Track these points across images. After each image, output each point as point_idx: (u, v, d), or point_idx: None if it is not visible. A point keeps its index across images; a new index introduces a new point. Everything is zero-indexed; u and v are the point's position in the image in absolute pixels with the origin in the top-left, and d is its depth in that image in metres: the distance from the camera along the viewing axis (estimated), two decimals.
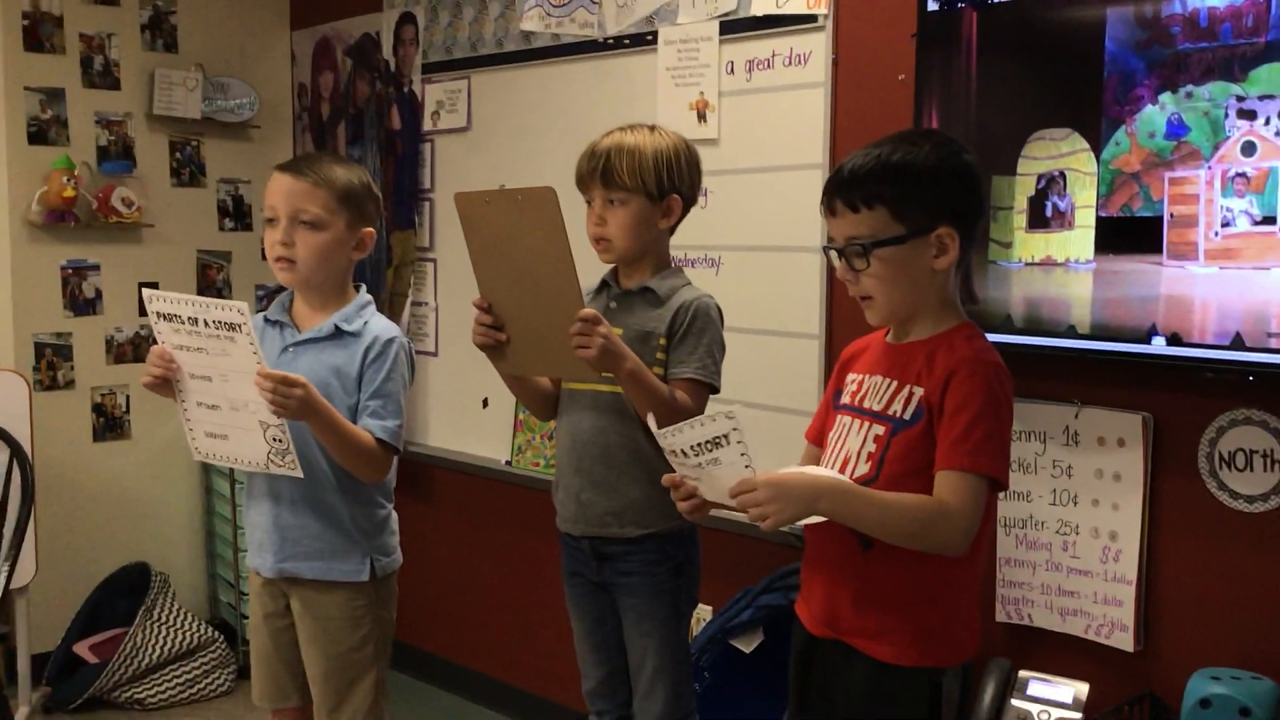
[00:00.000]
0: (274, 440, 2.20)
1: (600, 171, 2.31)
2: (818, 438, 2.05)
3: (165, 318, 2.20)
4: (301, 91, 4.56)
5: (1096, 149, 2.36)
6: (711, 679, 2.91)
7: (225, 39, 4.43)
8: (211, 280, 4.44)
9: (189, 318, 2.17)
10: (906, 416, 1.84)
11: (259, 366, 2.14)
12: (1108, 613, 2.48)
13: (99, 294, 4.19)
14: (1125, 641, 2.46)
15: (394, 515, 2.48)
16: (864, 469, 1.86)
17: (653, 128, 2.37)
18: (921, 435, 1.82)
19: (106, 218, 4.11)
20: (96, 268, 4.19)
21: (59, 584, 4.01)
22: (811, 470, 1.80)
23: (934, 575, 1.83)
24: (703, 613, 3.19)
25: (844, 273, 1.88)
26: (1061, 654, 2.55)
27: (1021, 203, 2.48)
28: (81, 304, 4.15)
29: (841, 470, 1.89)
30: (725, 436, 1.74)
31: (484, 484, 3.87)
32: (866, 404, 1.91)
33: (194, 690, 3.99)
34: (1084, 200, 2.39)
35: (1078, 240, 2.40)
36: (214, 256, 4.44)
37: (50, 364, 4.10)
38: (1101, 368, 2.44)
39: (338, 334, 2.37)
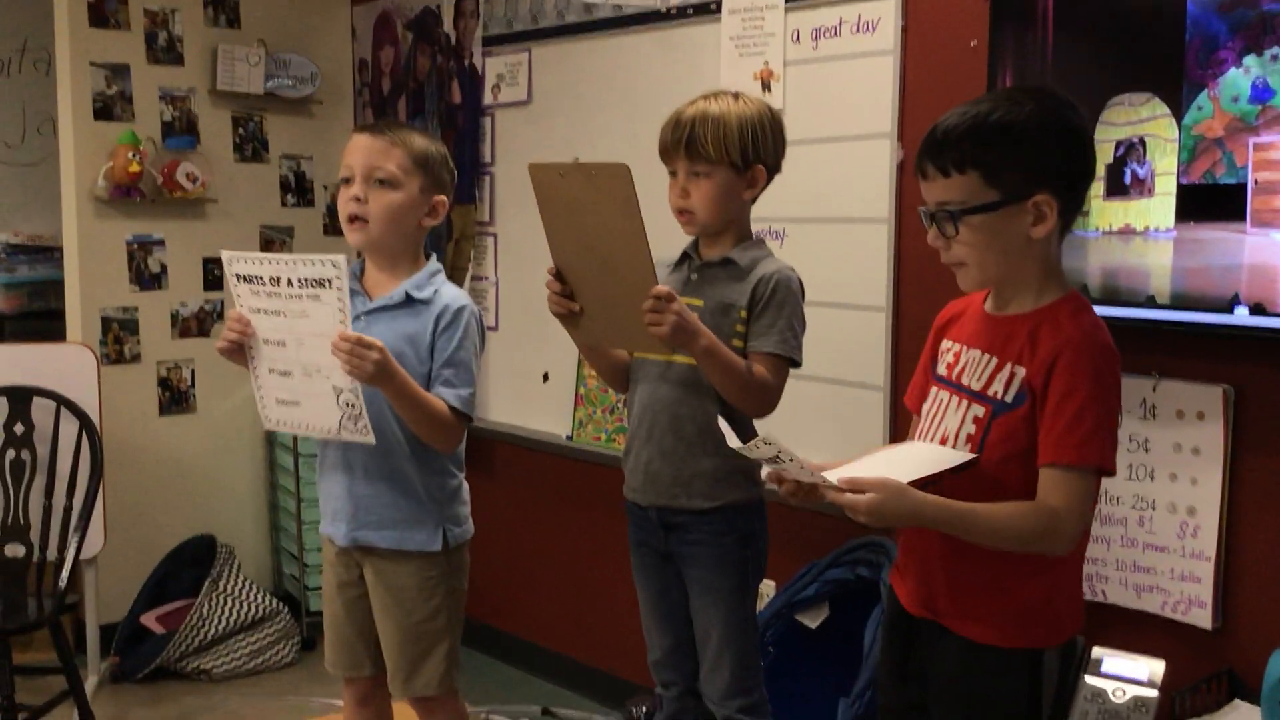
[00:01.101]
0: (347, 405, 2.18)
1: (684, 143, 2.26)
2: (919, 405, 1.98)
3: (245, 279, 2.20)
4: (362, 66, 4.56)
5: (1178, 114, 2.29)
6: (776, 654, 2.89)
7: (287, 14, 4.44)
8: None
9: (271, 278, 2.15)
10: (1008, 399, 1.76)
11: (340, 327, 2.12)
12: (1185, 589, 2.43)
13: (164, 269, 4.22)
14: (1203, 619, 2.40)
15: (465, 485, 2.48)
16: (966, 455, 1.78)
17: (737, 95, 2.31)
18: (1024, 419, 1.74)
19: (171, 193, 4.14)
20: (162, 243, 4.22)
21: (126, 555, 4.07)
22: (913, 496, 1.69)
23: (1035, 555, 1.76)
24: (767, 588, 3.16)
25: (934, 238, 1.80)
26: (1137, 631, 2.50)
27: (1100, 170, 2.41)
28: (147, 279, 4.19)
29: (940, 445, 1.83)
30: (776, 458, 1.70)
31: (545, 459, 3.86)
32: (965, 380, 1.84)
33: (259, 661, 4.03)
34: (1164, 167, 2.33)
35: (1157, 208, 2.34)
36: (277, 231, 4.47)
37: (117, 338, 4.14)
38: (1181, 339, 2.38)
39: (409, 301, 2.36)
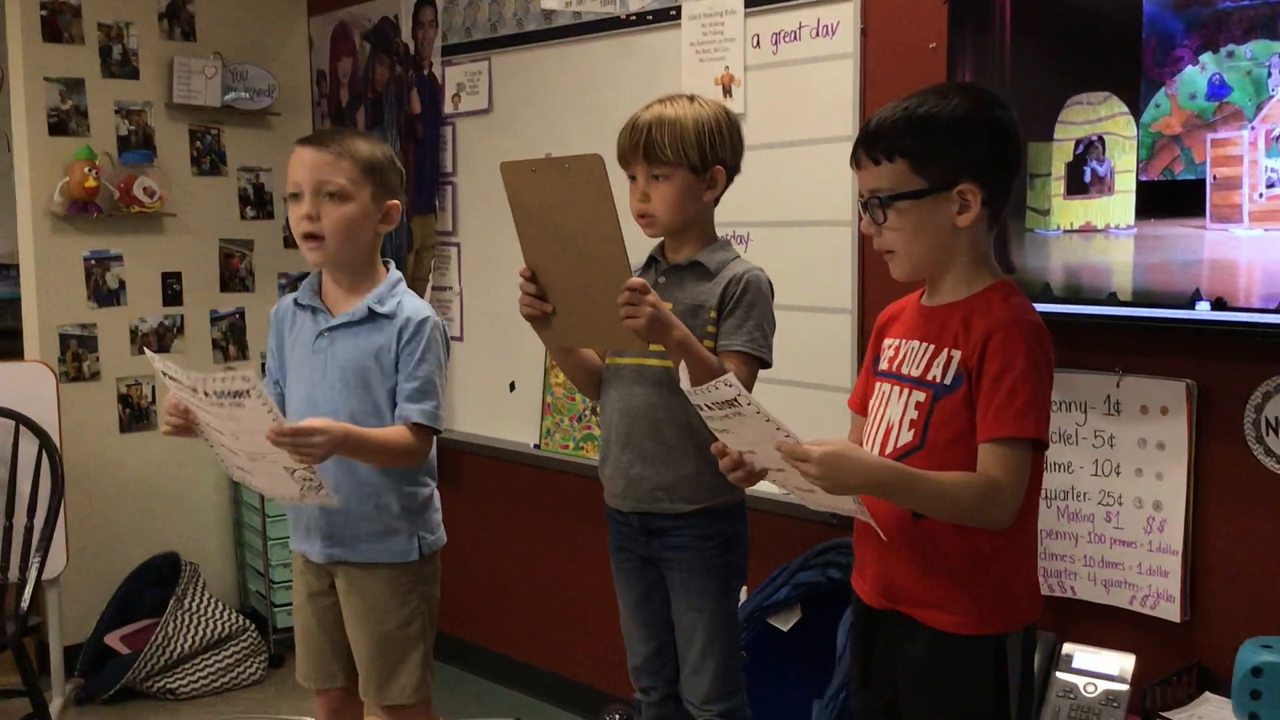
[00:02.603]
0: (303, 480, 2.15)
1: (643, 146, 2.26)
2: (861, 406, 2.01)
3: (172, 379, 2.10)
4: (320, 77, 4.54)
5: (1136, 112, 2.32)
6: (750, 657, 2.88)
7: (243, 26, 4.40)
8: (234, 269, 4.43)
9: (190, 388, 2.07)
10: (946, 381, 1.80)
11: (272, 424, 2.05)
12: (1153, 583, 2.45)
13: (122, 284, 4.18)
14: (1171, 612, 2.42)
15: (436, 493, 2.46)
16: (907, 437, 1.83)
17: (692, 98, 2.32)
18: (962, 401, 1.78)
19: (128, 208, 4.10)
20: (119, 258, 4.18)
21: (89, 575, 4.02)
22: (865, 455, 1.73)
23: (989, 539, 1.79)
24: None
25: (867, 226, 1.86)
26: (1106, 626, 2.52)
27: (1059, 169, 2.44)
28: (105, 295, 4.14)
29: (884, 439, 1.86)
30: (735, 400, 1.69)
31: (513, 468, 3.85)
32: (905, 370, 1.88)
33: (226, 679, 3.98)
34: (1124, 165, 2.35)
35: (1118, 206, 2.36)
36: (236, 245, 4.43)
37: (75, 355, 4.09)
38: (1143, 335, 2.40)
39: (372, 316, 2.34)
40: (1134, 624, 2.48)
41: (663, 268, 2.37)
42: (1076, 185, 2.42)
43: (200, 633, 3.97)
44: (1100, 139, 2.37)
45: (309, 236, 2.30)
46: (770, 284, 2.33)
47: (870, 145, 1.82)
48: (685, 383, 1.76)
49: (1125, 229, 2.35)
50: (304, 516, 2.39)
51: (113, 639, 4.00)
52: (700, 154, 2.26)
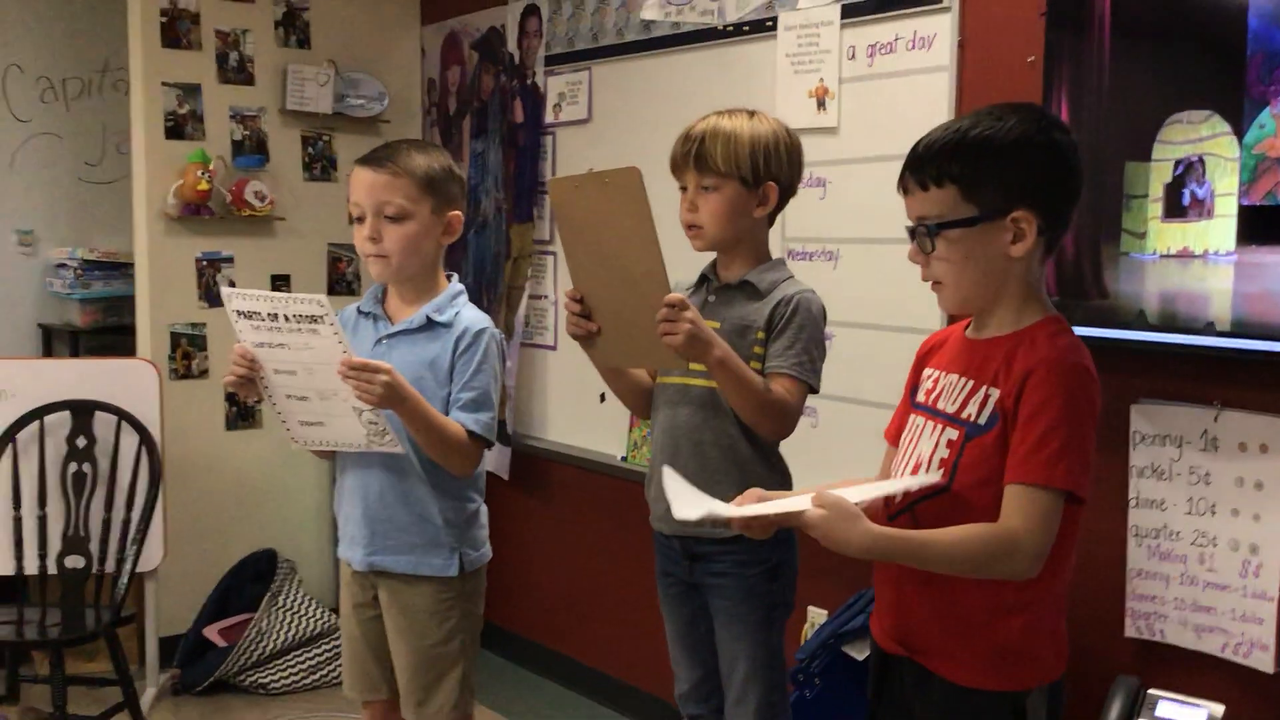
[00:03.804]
0: (370, 424, 2.18)
1: (694, 156, 2.23)
2: (894, 437, 1.93)
3: (245, 315, 2.19)
4: (430, 86, 4.59)
5: (1239, 132, 2.19)
6: (823, 685, 2.81)
7: (357, 35, 4.48)
8: (341, 272, 4.50)
9: (269, 314, 2.15)
10: (981, 421, 1.70)
11: (343, 355, 2.12)
12: (1247, 630, 2.31)
13: (233, 285, 4.28)
14: (1265, 662, 2.28)
15: (484, 509, 2.45)
16: (935, 476, 1.73)
17: (752, 113, 2.27)
18: (995, 442, 1.67)
19: (240, 211, 4.20)
20: (230, 259, 4.28)
21: (190, 568, 4.12)
22: (862, 525, 1.62)
23: (1014, 591, 1.69)
24: (816, 616, 3.09)
25: (914, 255, 1.76)
26: (1196, 673, 2.38)
27: (1157, 190, 2.32)
28: (215, 295, 4.24)
29: (913, 475, 1.78)
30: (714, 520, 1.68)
31: (599, 479, 3.83)
32: (940, 405, 1.78)
33: (316, 676, 4.04)
34: (1225, 187, 2.22)
35: (1218, 230, 2.24)
36: (344, 249, 4.50)
37: (186, 354, 4.20)
38: (1244, 367, 2.27)
39: (430, 325, 2.35)
40: (1225, 672, 2.35)
41: (713, 286, 2.32)
42: (1175, 208, 2.30)
43: (293, 629, 4.04)
44: (1200, 160, 2.25)
45: (373, 255, 2.32)
46: (823, 307, 2.27)
47: (918, 170, 1.72)
48: (680, 511, 1.70)
49: (1225, 255, 2.23)
50: (350, 524, 2.40)
51: (211, 632, 4.09)
52: (753, 168, 2.21)
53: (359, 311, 2.45)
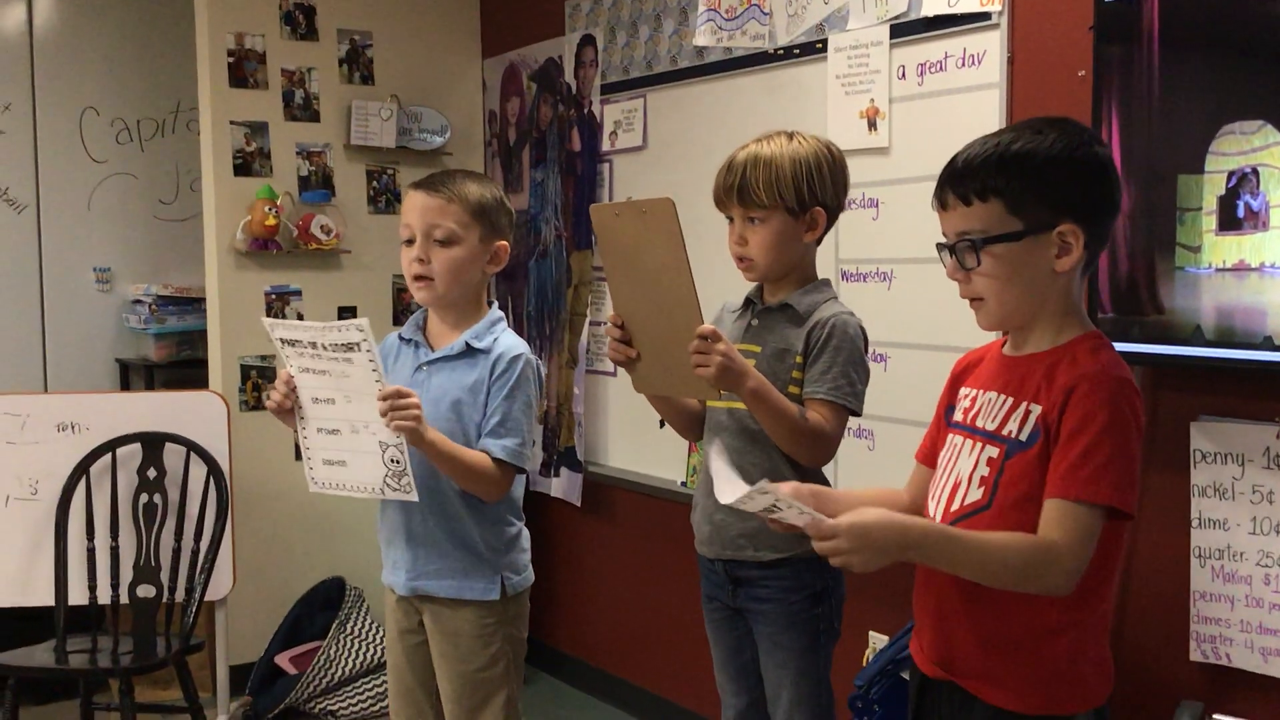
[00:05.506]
0: (392, 462, 2.21)
1: (737, 189, 2.19)
2: (927, 457, 1.89)
3: (288, 343, 2.24)
4: (491, 118, 4.65)
5: None
6: (882, 713, 2.77)
7: (419, 69, 4.56)
8: (406, 304, 4.56)
9: (309, 342, 2.20)
10: (1022, 438, 1.67)
11: (376, 385, 2.16)
12: None
13: (300, 318, 4.35)
14: None
15: (525, 533, 2.46)
16: (976, 495, 1.70)
17: (791, 135, 2.24)
18: (1037, 458, 1.64)
19: (306, 245, 4.28)
20: (299, 293, 4.36)
21: (260, 596, 4.18)
22: (890, 516, 1.62)
23: (1058, 613, 1.65)
24: (878, 641, 3.05)
25: (954, 271, 1.72)
26: (1262, 697, 2.31)
27: (1211, 203, 2.27)
28: None
29: (951, 495, 1.75)
30: (773, 506, 1.63)
31: (659, 504, 3.83)
32: (980, 423, 1.75)
33: (383, 705, 4.07)
34: (1279, 198, 2.17)
35: (1274, 242, 2.18)
36: None
37: (255, 385, 4.28)
38: None
39: (469, 351, 2.37)
40: None
41: (757, 309, 2.31)
42: (1229, 220, 2.25)
43: (361, 657, 4.08)
44: (1254, 171, 2.20)
45: (419, 278, 2.35)
46: (860, 327, 2.23)
47: (959, 184, 1.69)
48: (723, 495, 1.69)
49: None
50: (392, 549, 2.42)
51: (282, 659, 4.14)
52: (797, 195, 2.18)
53: (400, 338, 2.48)
